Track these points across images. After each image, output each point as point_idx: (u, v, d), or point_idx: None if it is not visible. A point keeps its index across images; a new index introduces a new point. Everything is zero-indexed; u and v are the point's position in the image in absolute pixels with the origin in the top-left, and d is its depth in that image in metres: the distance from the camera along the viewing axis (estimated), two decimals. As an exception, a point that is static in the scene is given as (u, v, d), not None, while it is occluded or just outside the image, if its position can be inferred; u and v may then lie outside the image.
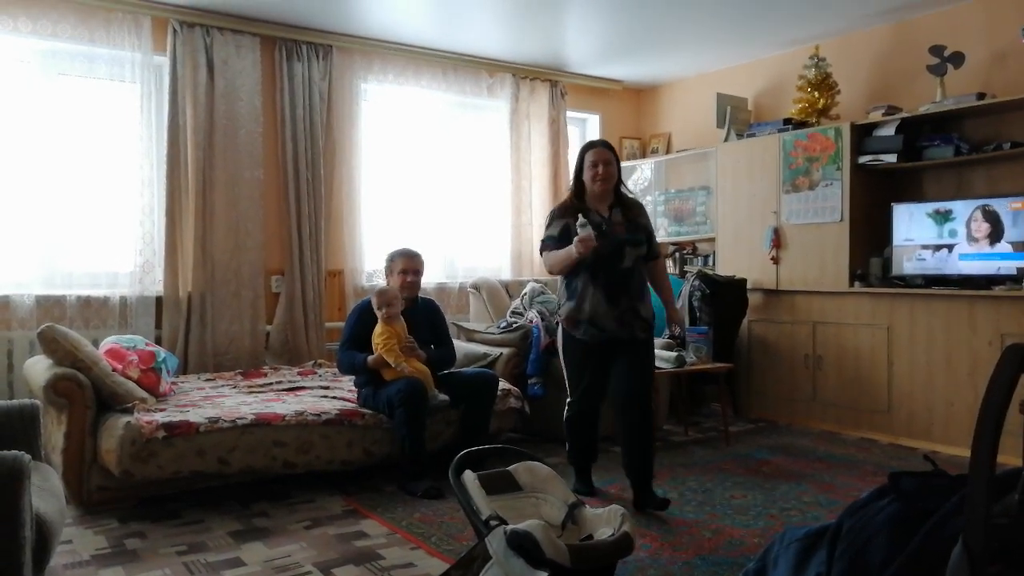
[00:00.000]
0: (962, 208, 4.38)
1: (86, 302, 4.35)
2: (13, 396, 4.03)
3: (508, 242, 5.85)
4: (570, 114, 6.22)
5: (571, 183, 3.54)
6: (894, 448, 4.46)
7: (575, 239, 3.16)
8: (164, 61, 4.54)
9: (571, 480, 3.47)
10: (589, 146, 3.43)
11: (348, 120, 5.15)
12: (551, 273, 3.57)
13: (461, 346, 4.49)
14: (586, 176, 3.38)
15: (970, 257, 4.34)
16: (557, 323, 3.57)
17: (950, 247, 4.41)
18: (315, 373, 4.55)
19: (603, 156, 3.37)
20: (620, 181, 3.46)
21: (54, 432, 3.36)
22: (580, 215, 3.21)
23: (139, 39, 4.43)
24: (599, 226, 3.29)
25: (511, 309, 5.02)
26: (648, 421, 3.36)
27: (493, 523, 2.44)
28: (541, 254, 3.50)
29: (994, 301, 4.16)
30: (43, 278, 4.28)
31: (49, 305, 4.25)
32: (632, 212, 3.44)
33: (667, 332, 3.82)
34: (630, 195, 3.55)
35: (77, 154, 4.44)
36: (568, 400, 3.51)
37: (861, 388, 4.76)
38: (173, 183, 4.53)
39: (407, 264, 3.95)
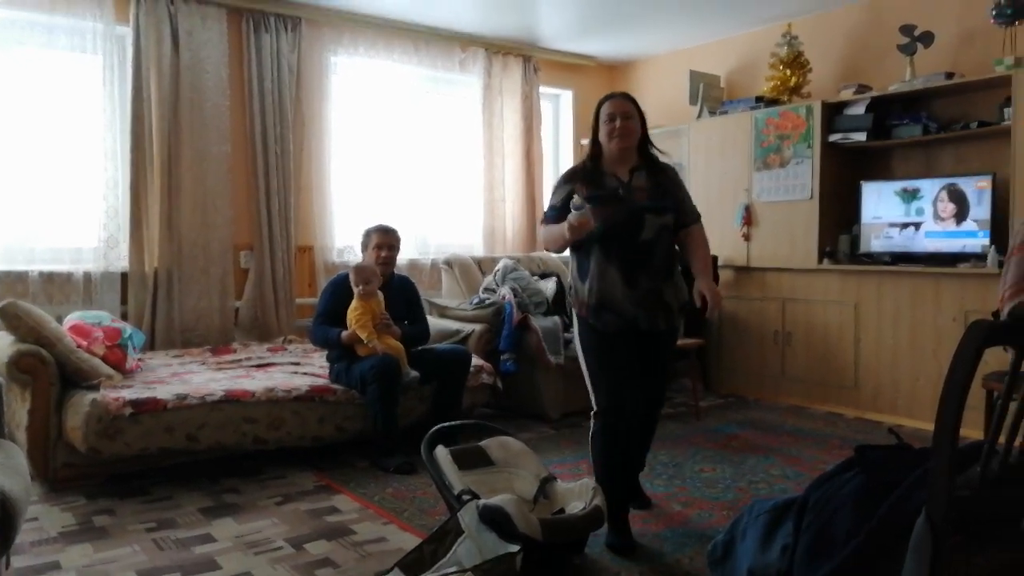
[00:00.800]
0: (929, 186, 4.44)
1: (49, 278, 4.25)
2: (-26, 373, 3.95)
3: (481, 218, 5.82)
4: (543, 90, 6.18)
5: (588, 143, 2.94)
6: (860, 422, 4.54)
7: (568, 219, 2.61)
8: (127, 32, 4.42)
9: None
10: (606, 97, 2.86)
11: (317, 94, 5.07)
12: (547, 251, 3.31)
13: (434, 322, 4.47)
14: (602, 133, 2.81)
15: (936, 235, 4.41)
16: (571, 311, 3.04)
17: (917, 225, 4.48)
18: (285, 349, 4.51)
19: (621, 108, 2.78)
20: (647, 139, 2.87)
21: (18, 409, 3.30)
22: (575, 195, 2.65)
23: (100, 8, 4.30)
24: (615, 191, 2.75)
25: (483, 286, 5.01)
26: (654, 420, 2.99)
27: (465, 498, 2.46)
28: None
29: (959, 278, 4.23)
30: (4, 253, 4.17)
31: (11, 281, 4.15)
32: (661, 175, 2.85)
33: (697, 302, 2.83)
34: (660, 155, 2.93)
35: (38, 127, 4.31)
36: (592, 411, 2.84)
37: (829, 364, 4.84)
38: (138, 157, 4.43)
39: (382, 239, 3.93)
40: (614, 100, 2.83)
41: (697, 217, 2.94)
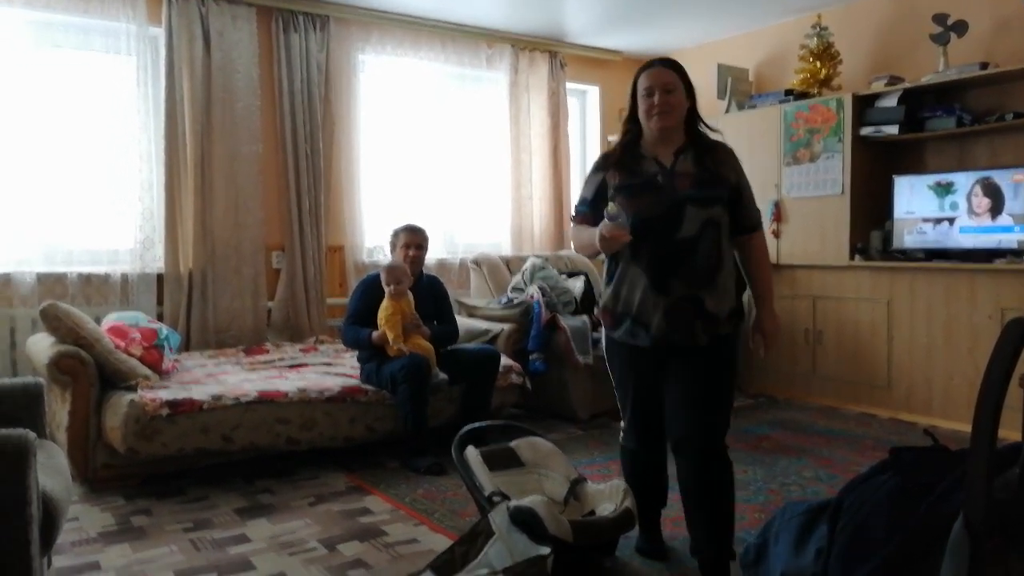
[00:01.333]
0: (963, 180, 4.36)
1: (87, 279, 4.34)
2: (16, 374, 4.04)
3: (508, 217, 5.82)
4: (570, 85, 6.16)
5: (623, 120, 2.47)
6: (894, 423, 4.48)
7: (599, 228, 2.22)
8: (160, 33, 4.48)
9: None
10: (645, 67, 2.39)
11: (346, 93, 5.11)
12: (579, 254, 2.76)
13: (462, 322, 4.49)
14: (641, 110, 2.36)
15: (971, 230, 4.33)
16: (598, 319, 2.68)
17: (951, 220, 4.40)
18: (317, 350, 4.56)
19: (662, 80, 2.31)
20: (696, 115, 2.41)
21: (58, 410, 3.38)
22: (610, 203, 2.25)
23: (134, 10, 4.36)
24: (652, 178, 2.33)
25: (512, 285, 5.02)
26: (725, 476, 2.36)
27: (496, 499, 2.46)
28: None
29: (995, 275, 4.15)
30: (44, 255, 4.26)
31: (50, 283, 4.24)
32: (712, 157, 2.38)
33: (751, 342, 2.49)
34: (713, 133, 2.45)
35: (74, 129, 4.40)
36: (621, 426, 2.63)
37: (861, 363, 4.78)
38: (171, 158, 4.50)
39: (410, 239, 3.97)
40: (653, 71, 2.34)
41: (757, 223, 2.45)
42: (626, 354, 2.43)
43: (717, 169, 2.36)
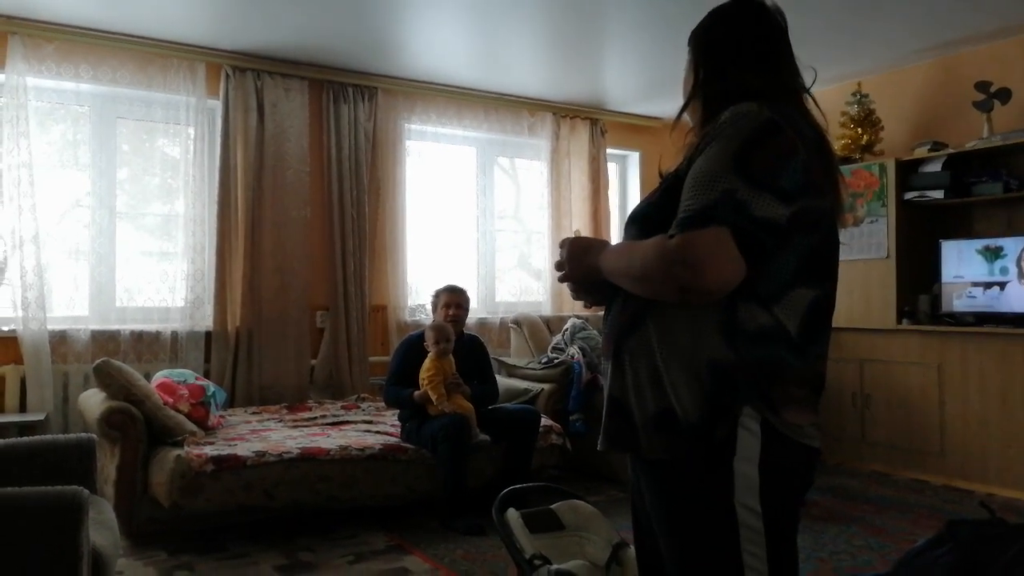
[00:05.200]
0: (1013, 245, 4.29)
1: (139, 336, 4.47)
2: (68, 428, 4.15)
3: (548, 278, 5.87)
4: (610, 151, 6.27)
5: None
6: (948, 490, 4.33)
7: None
8: (217, 104, 4.70)
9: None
10: None
11: (392, 159, 5.26)
12: None
13: (502, 381, 4.50)
14: None
15: (1022, 295, 4.24)
16: None
17: (1002, 284, 4.32)
18: (358, 407, 4.60)
19: None
20: None
21: (107, 464, 3.44)
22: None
23: (194, 84, 4.60)
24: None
25: (552, 345, 5.03)
26: None
27: (537, 562, 2.44)
28: None
29: (1049, 340, 4.05)
30: (98, 313, 4.42)
31: (104, 339, 4.38)
32: None
33: None
34: None
35: (132, 192, 4.62)
36: None
37: (912, 428, 4.65)
38: (223, 221, 4.66)
39: (450, 298, 4.04)
40: None
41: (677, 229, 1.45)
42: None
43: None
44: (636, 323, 1.35)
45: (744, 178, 1.22)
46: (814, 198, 1.28)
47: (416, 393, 3.76)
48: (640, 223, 1.41)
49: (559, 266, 1.51)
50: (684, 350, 1.29)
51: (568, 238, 1.53)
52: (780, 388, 1.28)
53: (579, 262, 1.46)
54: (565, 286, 1.55)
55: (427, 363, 3.78)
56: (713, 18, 1.49)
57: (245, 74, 4.72)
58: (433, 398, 3.69)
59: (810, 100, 1.44)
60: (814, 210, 1.29)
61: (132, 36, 4.40)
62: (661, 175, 1.46)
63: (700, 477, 1.29)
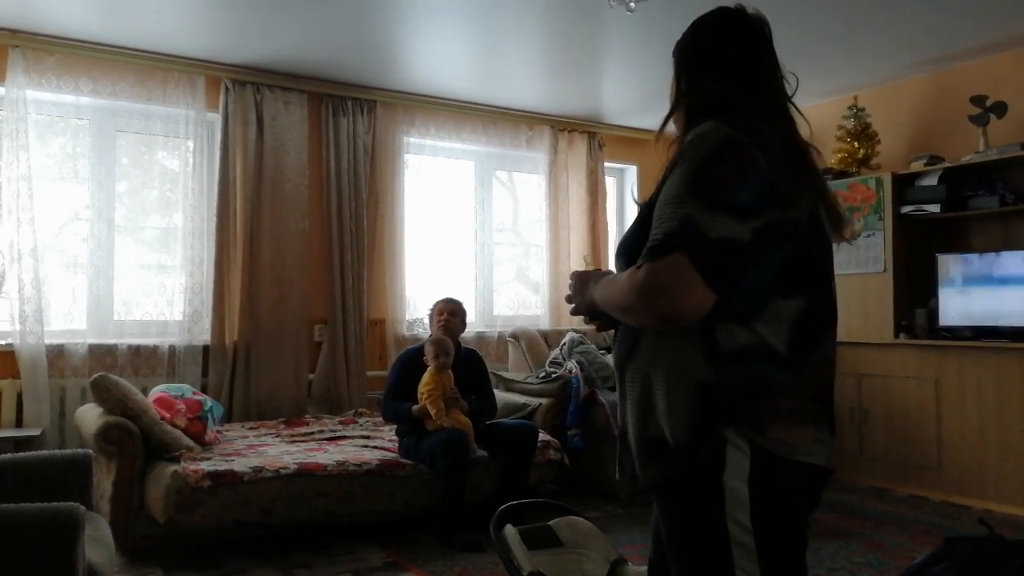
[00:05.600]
0: (1010, 259, 4.30)
1: (136, 351, 4.45)
2: (64, 443, 4.13)
3: (547, 291, 5.87)
4: (608, 164, 6.29)
5: None
6: (946, 506, 4.32)
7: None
8: (216, 118, 4.71)
9: None
10: None
11: (391, 172, 5.27)
12: None
13: (500, 396, 4.49)
14: None
15: (1020, 309, 4.24)
16: None
17: (998, 298, 4.32)
18: (356, 422, 4.59)
19: None
20: None
21: (103, 480, 3.43)
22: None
23: (193, 97, 4.61)
24: None
25: (550, 359, 5.02)
26: None
27: (535, 580, 2.42)
28: None
29: (1047, 354, 4.05)
30: (96, 327, 4.41)
31: (101, 354, 4.36)
32: None
33: None
34: None
35: (130, 206, 4.62)
36: None
37: (910, 443, 4.64)
38: (222, 234, 4.66)
39: (444, 307, 4.09)
40: None
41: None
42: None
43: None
44: (632, 351, 1.39)
45: (700, 201, 1.24)
46: (783, 208, 1.27)
47: (414, 408, 3.76)
48: (625, 255, 1.42)
49: (568, 299, 1.57)
50: (671, 375, 1.31)
51: (575, 271, 1.58)
52: (768, 405, 1.28)
53: (581, 296, 1.51)
54: (563, 299, 1.59)
55: (426, 377, 3.78)
56: (694, 29, 1.51)
57: (244, 87, 4.73)
58: (432, 412, 3.68)
59: (792, 108, 1.44)
60: (785, 221, 1.28)
61: (132, 49, 4.42)
62: (639, 205, 1.48)
63: (693, 496, 1.32)
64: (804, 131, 1.42)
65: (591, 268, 1.77)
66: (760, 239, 1.25)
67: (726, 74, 1.41)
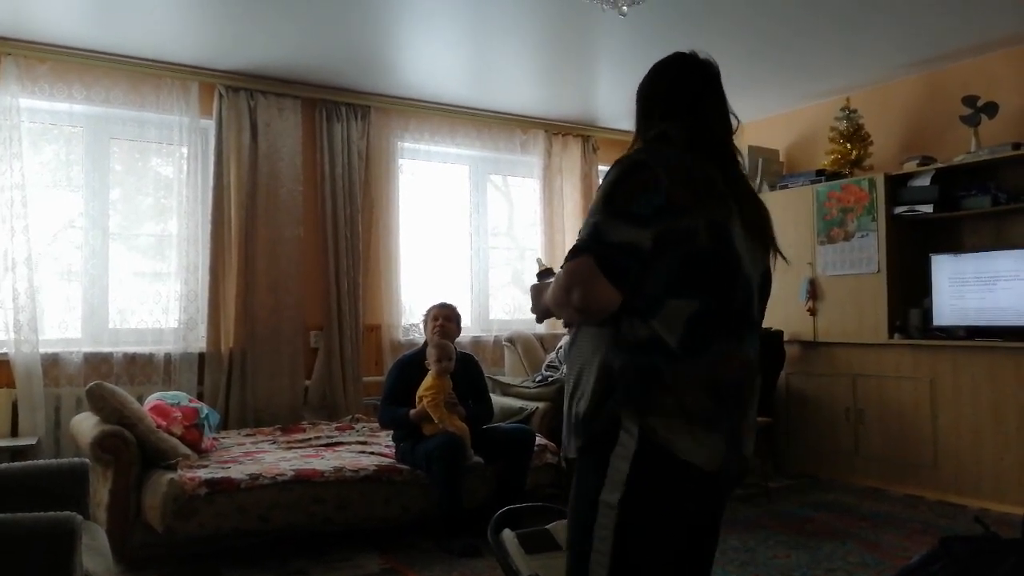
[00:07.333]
0: (1002, 258, 4.32)
1: (132, 359, 4.44)
2: (60, 452, 4.12)
3: (542, 295, 5.87)
4: (602, 168, 6.29)
5: None
6: (942, 505, 4.33)
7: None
8: (210, 124, 4.71)
9: None
10: None
11: (385, 177, 5.27)
12: None
13: (497, 400, 4.49)
14: None
15: (1013, 308, 4.26)
16: None
17: (992, 298, 4.34)
18: (353, 428, 4.58)
19: None
20: None
21: (100, 488, 3.42)
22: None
23: (187, 104, 4.61)
24: None
25: (546, 363, 5.03)
26: None
27: (533, 584, 2.42)
28: None
29: (1040, 353, 4.07)
30: (91, 336, 4.40)
31: (96, 362, 4.35)
32: None
33: None
34: None
35: (124, 213, 4.61)
36: None
37: (905, 442, 4.66)
38: (217, 241, 4.65)
39: (439, 312, 4.07)
40: None
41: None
42: None
43: None
44: (572, 343, 1.60)
45: (606, 211, 1.44)
46: (677, 218, 1.42)
47: (412, 412, 3.75)
48: None
49: (532, 310, 1.80)
50: (590, 361, 1.50)
51: (532, 285, 1.82)
52: (654, 396, 1.41)
53: (538, 304, 1.74)
54: None
55: (427, 381, 3.78)
56: (651, 72, 1.73)
57: (238, 93, 4.73)
58: (435, 417, 3.68)
59: (731, 142, 1.63)
60: (680, 228, 1.42)
61: (125, 56, 4.41)
62: None
63: (584, 468, 1.50)
64: (742, 160, 1.64)
65: (546, 268, 2.05)
66: (660, 245, 1.41)
67: (671, 114, 1.62)
